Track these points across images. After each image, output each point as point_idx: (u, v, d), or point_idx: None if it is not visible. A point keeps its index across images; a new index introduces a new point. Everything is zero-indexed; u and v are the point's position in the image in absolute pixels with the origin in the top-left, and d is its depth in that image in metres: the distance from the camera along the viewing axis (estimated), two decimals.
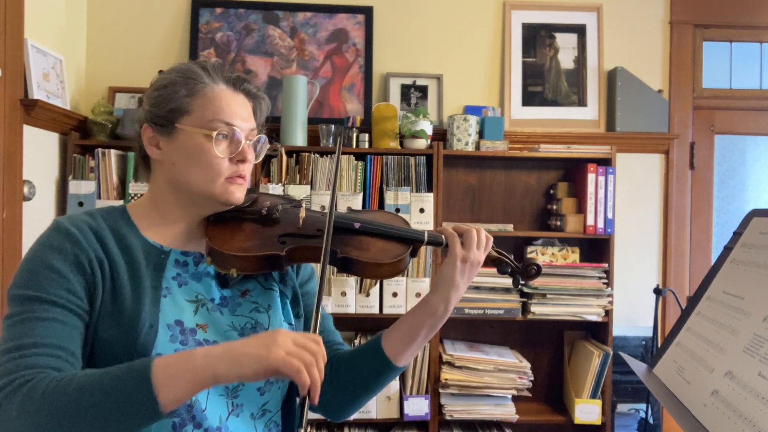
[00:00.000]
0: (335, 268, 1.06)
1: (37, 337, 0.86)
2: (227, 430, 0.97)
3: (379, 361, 1.07)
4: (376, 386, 1.10)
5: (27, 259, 0.93)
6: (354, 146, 2.50)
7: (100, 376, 0.82)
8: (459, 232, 1.07)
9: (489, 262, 1.11)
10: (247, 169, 1.04)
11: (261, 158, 1.10)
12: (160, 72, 1.07)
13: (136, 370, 0.81)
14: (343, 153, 2.44)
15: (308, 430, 2.43)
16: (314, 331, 0.89)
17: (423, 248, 2.39)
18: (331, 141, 2.49)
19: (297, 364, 0.81)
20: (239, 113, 1.03)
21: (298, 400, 0.90)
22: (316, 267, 0.99)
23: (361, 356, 1.09)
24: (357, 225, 1.07)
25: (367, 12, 2.74)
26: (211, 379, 0.82)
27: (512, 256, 1.13)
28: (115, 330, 0.92)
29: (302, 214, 1.09)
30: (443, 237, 1.08)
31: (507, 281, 2.45)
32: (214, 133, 0.99)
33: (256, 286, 1.08)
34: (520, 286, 2.45)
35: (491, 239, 1.08)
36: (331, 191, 1.02)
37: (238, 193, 1.04)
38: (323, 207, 1.13)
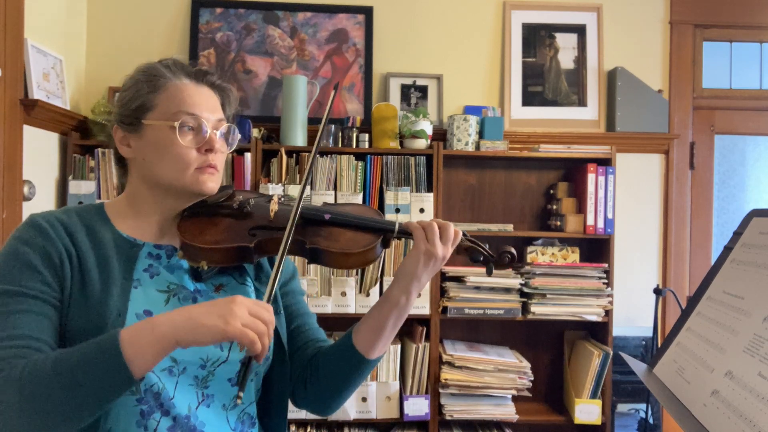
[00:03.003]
0: (308, 261, 1.08)
1: (12, 329, 0.89)
2: (196, 419, 0.98)
3: (353, 357, 1.09)
4: (354, 380, 1.11)
5: (3, 253, 0.96)
6: (354, 146, 2.50)
7: (73, 354, 0.85)
8: (423, 226, 1.06)
9: (462, 251, 1.11)
10: (218, 159, 1.05)
11: (233, 148, 1.11)
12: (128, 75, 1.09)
13: (106, 345, 0.85)
14: (343, 153, 2.45)
15: (308, 429, 2.43)
16: (268, 301, 0.94)
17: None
18: (331, 141, 2.49)
19: (252, 336, 0.86)
20: (203, 104, 1.04)
21: (244, 360, 0.95)
22: (297, 264, 1.01)
23: (336, 353, 1.11)
24: (327, 216, 1.09)
25: (367, 12, 2.74)
26: (174, 345, 0.86)
27: (487, 246, 1.13)
28: (83, 319, 0.94)
29: (274, 207, 1.10)
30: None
31: (506, 281, 2.45)
32: (177, 124, 1.01)
33: (230, 281, 1.10)
34: (517, 284, 2.45)
35: (459, 234, 1.08)
36: (302, 183, 1.04)
37: (210, 183, 1.04)
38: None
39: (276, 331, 1.10)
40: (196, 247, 1.01)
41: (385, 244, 1.10)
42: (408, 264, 1.06)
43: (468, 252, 1.12)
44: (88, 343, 0.86)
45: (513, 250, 1.11)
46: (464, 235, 1.11)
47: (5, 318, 0.90)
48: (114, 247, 1.01)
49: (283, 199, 1.15)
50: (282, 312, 1.14)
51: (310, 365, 1.13)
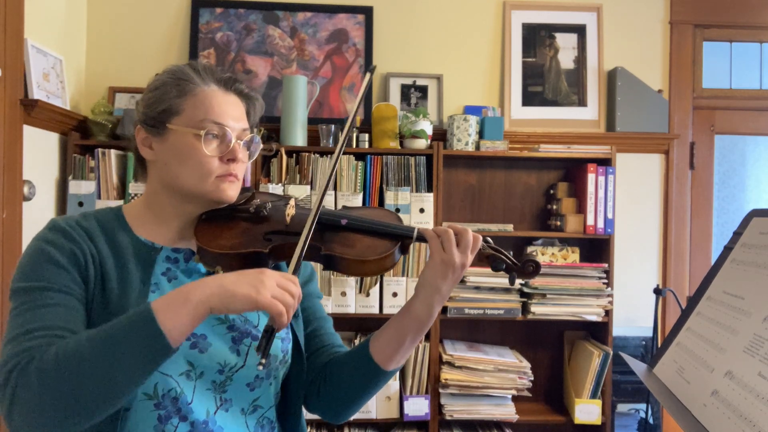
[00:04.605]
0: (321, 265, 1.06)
1: (43, 321, 0.88)
2: (215, 424, 0.98)
3: (369, 368, 1.06)
4: (370, 390, 1.09)
5: (27, 254, 0.96)
6: (354, 146, 2.50)
7: (107, 330, 0.85)
8: (438, 234, 1.02)
9: (483, 259, 1.06)
10: (239, 168, 1.05)
11: (254, 158, 1.11)
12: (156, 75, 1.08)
13: (139, 316, 0.85)
14: (343, 153, 2.44)
15: (308, 430, 2.42)
16: (292, 273, 0.95)
17: (424, 247, 2.40)
18: (331, 141, 2.49)
19: (280, 308, 0.87)
20: (230, 113, 1.03)
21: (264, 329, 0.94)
22: (316, 267, 1.00)
23: (352, 362, 1.09)
24: (344, 221, 1.06)
25: (367, 12, 2.74)
26: (208, 312, 0.87)
27: (511, 253, 1.08)
28: (101, 323, 0.92)
29: (290, 211, 1.08)
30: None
31: (506, 281, 2.44)
32: (203, 132, 1.00)
33: None
34: (517, 284, 2.45)
35: (479, 240, 1.03)
36: (319, 188, 1.03)
37: (231, 191, 1.04)
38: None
39: (294, 334, 1.09)
40: (212, 252, 1.00)
41: (404, 250, 1.06)
42: (426, 276, 1.02)
43: (489, 260, 1.06)
44: (119, 318, 0.86)
45: (537, 259, 1.06)
46: (486, 241, 1.06)
47: (34, 311, 0.89)
48: (132, 251, 1.01)
49: (300, 202, 1.13)
50: (300, 315, 1.13)
51: (325, 371, 1.11)
